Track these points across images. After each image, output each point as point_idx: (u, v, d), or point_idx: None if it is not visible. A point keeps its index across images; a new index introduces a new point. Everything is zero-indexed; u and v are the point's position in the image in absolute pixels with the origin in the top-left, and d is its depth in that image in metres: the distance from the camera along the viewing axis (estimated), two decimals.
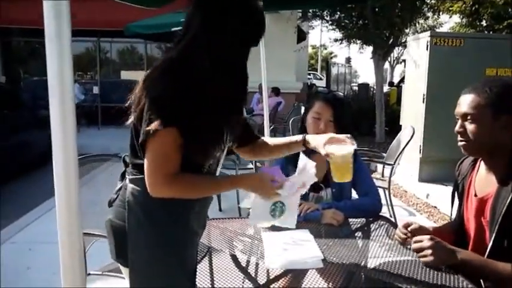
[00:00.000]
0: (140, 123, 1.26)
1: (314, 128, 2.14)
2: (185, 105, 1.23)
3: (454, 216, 1.81)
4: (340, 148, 1.52)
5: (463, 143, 1.57)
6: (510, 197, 1.43)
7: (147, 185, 1.27)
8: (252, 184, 1.46)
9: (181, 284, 1.39)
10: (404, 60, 6.70)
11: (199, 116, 1.26)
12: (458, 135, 1.58)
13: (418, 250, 1.51)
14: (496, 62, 5.42)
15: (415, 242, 1.54)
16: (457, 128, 1.58)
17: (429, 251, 1.47)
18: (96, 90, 11.96)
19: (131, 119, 1.34)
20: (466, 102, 1.55)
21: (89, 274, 2.18)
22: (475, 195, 1.62)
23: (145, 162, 1.27)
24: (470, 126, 1.53)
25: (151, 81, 1.29)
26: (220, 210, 4.48)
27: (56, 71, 1.03)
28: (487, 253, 1.50)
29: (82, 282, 1.09)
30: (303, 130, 2.22)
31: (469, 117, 1.53)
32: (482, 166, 1.64)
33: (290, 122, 6.06)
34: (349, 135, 1.57)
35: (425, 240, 1.50)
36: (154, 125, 1.21)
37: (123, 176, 1.47)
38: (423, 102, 5.52)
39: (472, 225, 1.63)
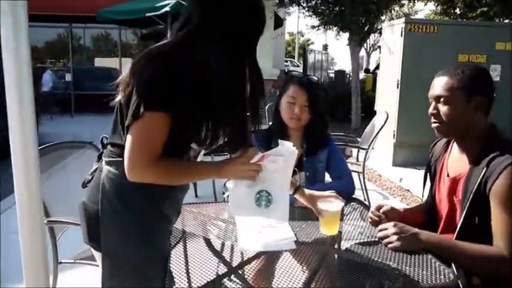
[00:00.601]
0: (128, 105, 1.24)
1: (288, 112, 2.13)
2: (176, 90, 1.21)
3: (426, 197, 1.84)
4: (331, 205, 1.63)
5: (437, 124, 1.60)
6: (481, 175, 1.46)
7: (126, 168, 1.24)
8: (235, 169, 1.41)
9: (154, 269, 1.38)
10: (380, 47, 6.76)
11: (189, 104, 1.24)
12: (432, 117, 1.60)
13: (384, 237, 1.52)
14: (468, 49, 5.52)
15: (380, 230, 1.56)
16: (430, 110, 1.60)
17: (394, 237, 1.49)
18: (68, 77, 11.67)
19: (118, 98, 1.31)
20: (439, 84, 1.57)
21: (61, 262, 2.15)
22: (448, 176, 1.65)
23: (127, 144, 1.24)
24: (443, 108, 1.56)
25: (142, 64, 1.25)
26: (196, 196, 4.45)
27: (12, 51, 0.99)
28: (456, 231, 1.53)
29: (44, 274, 1.05)
30: (277, 114, 2.21)
31: (442, 99, 1.55)
32: (455, 147, 1.66)
33: (266, 108, 6.05)
34: (333, 192, 1.72)
35: (390, 227, 1.52)
36: (142, 108, 1.19)
37: (99, 158, 1.45)
38: (397, 88, 5.58)
39: (444, 205, 1.66)
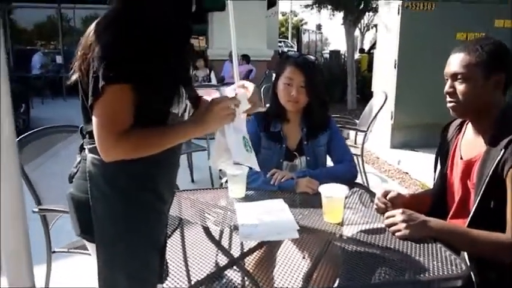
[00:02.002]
0: (88, 83, 1.17)
1: (285, 94, 2.06)
2: (133, 56, 1.14)
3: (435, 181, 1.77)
4: (335, 192, 1.57)
5: (452, 104, 1.52)
6: (499, 157, 1.38)
7: (99, 149, 1.18)
8: (215, 114, 1.31)
9: (151, 253, 1.32)
10: (375, 25, 6.64)
11: (147, 69, 1.17)
12: (447, 96, 1.52)
13: (391, 225, 1.47)
14: (466, 26, 5.43)
15: (387, 217, 1.50)
16: (446, 88, 1.52)
17: (402, 225, 1.43)
18: (59, 59, 11.47)
19: (74, 78, 1.24)
20: (456, 61, 1.48)
21: (54, 252, 2.10)
22: (461, 159, 1.58)
23: (94, 124, 1.18)
24: (460, 87, 1.47)
25: (95, 37, 1.18)
26: (192, 181, 4.40)
27: None
28: (470, 216, 1.46)
29: (28, 266, 0.98)
30: (274, 97, 2.14)
31: (459, 77, 1.47)
32: (469, 129, 1.59)
33: (262, 90, 5.96)
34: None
35: (398, 215, 1.47)
36: (100, 83, 1.12)
37: (81, 149, 1.38)
38: (395, 67, 5.50)
39: (457, 189, 1.59)
